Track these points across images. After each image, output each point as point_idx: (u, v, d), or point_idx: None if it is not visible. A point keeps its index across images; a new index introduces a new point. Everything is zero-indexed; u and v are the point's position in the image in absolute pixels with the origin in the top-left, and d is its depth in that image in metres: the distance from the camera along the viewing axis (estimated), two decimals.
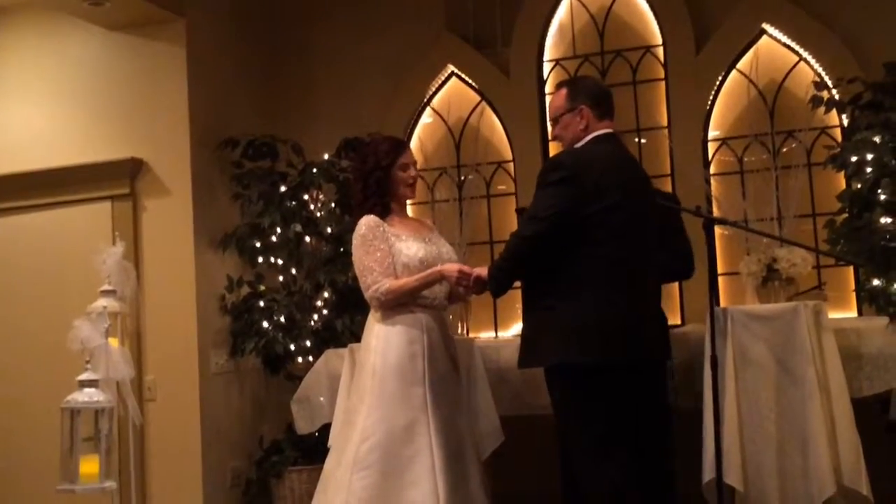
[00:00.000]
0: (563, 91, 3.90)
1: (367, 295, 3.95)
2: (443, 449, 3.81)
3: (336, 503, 3.80)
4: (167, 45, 5.75)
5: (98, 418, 4.41)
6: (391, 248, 3.94)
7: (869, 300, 4.55)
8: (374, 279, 3.91)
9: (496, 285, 3.83)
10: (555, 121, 3.91)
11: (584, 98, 3.83)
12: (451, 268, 3.92)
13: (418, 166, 4.19)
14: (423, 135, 6.24)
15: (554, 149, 5.76)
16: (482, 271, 3.89)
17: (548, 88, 5.96)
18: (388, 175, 4.04)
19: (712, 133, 5.70)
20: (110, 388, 4.69)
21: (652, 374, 3.85)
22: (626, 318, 3.61)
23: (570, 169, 3.64)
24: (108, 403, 4.45)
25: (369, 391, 3.89)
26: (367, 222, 3.98)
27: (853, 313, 5.26)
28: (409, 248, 3.96)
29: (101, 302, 4.88)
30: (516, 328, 5.84)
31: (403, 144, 4.21)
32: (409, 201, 4.33)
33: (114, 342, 4.86)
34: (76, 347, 4.69)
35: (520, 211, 4.91)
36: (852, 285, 5.24)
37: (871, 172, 4.53)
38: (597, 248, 3.60)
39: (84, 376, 4.44)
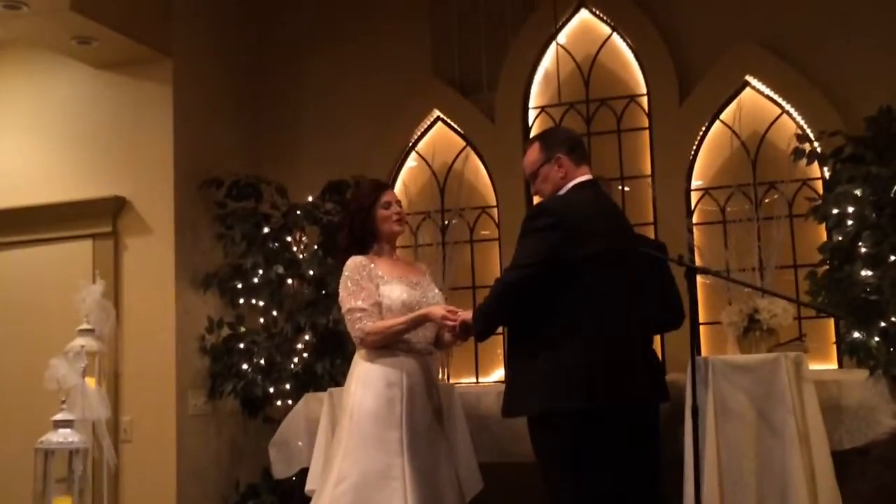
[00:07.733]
0: (536, 144, 3.90)
1: (352, 334, 3.98)
2: (417, 494, 3.78)
3: None
4: (153, 84, 5.76)
5: (72, 459, 4.36)
6: (377, 289, 3.96)
7: (849, 352, 4.55)
8: (358, 318, 3.93)
9: (481, 329, 3.82)
10: (534, 175, 3.88)
11: (559, 147, 3.82)
12: (437, 310, 3.93)
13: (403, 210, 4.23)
14: (408, 178, 6.25)
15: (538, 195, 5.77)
16: (467, 315, 3.87)
17: (533, 134, 5.99)
18: (370, 215, 4.10)
19: (695, 182, 5.72)
20: (86, 428, 4.64)
21: (642, 420, 3.77)
22: (611, 363, 3.57)
23: (555, 215, 3.64)
24: (82, 444, 4.41)
25: (346, 433, 3.89)
26: (353, 262, 4.02)
27: (833, 365, 5.26)
28: (392, 290, 3.97)
29: (79, 341, 4.83)
30: (498, 374, 5.82)
31: (384, 185, 4.31)
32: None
33: (91, 382, 4.81)
34: (52, 387, 4.64)
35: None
36: (833, 337, 5.24)
37: (852, 225, 4.55)
38: (581, 294, 3.58)
39: (59, 416, 4.41)
